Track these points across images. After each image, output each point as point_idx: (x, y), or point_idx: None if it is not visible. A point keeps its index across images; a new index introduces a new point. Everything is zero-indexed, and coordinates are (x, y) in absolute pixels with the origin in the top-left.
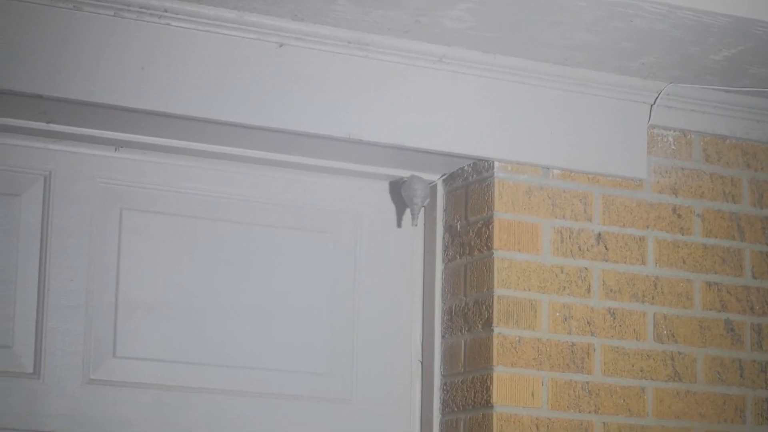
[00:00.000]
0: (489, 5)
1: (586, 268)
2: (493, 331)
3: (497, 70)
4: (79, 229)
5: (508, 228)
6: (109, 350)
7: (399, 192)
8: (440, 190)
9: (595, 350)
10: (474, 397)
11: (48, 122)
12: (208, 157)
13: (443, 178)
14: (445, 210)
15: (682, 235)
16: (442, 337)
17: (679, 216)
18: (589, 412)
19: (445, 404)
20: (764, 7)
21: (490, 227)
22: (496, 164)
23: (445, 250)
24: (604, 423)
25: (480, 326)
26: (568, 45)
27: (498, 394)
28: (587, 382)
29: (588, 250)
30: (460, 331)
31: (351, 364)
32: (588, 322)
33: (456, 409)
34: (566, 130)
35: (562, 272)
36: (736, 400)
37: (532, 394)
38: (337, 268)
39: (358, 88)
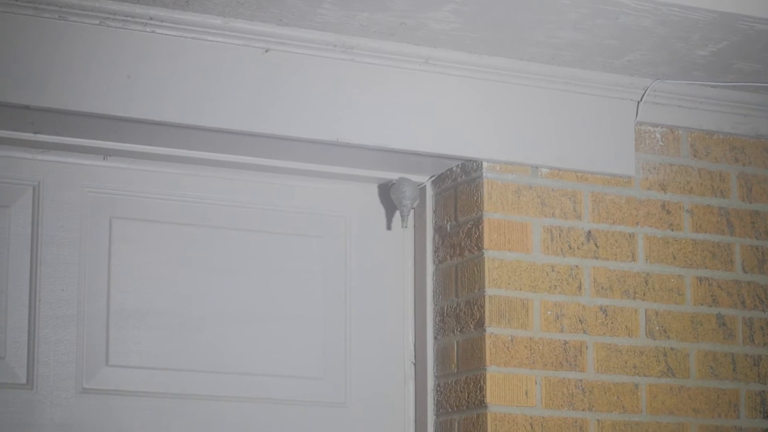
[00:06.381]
0: (474, 6)
1: (576, 266)
2: (485, 331)
3: (483, 70)
4: (69, 239)
5: (497, 228)
6: (102, 359)
7: (388, 194)
8: (429, 192)
9: (587, 348)
10: (468, 397)
11: (36, 133)
12: (196, 164)
13: (432, 179)
14: (434, 211)
15: (672, 230)
16: (435, 338)
17: (668, 212)
18: (583, 410)
19: (439, 405)
20: (749, 1)
21: (480, 227)
22: (485, 164)
23: (435, 252)
24: (598, 420)
25: (472, 326)
26: (553, 44)
27: (492, 393)
28: (581, 380)
29: (578, 248)
30: (453, 331)
31: (344, 367)
32: (580, 320)
33: (450, 409)
34: (554, 128)
35: (552, 271)
36: (729, 395)
37: (526, 393)
38: (328, 272)
39: (344, 92)
